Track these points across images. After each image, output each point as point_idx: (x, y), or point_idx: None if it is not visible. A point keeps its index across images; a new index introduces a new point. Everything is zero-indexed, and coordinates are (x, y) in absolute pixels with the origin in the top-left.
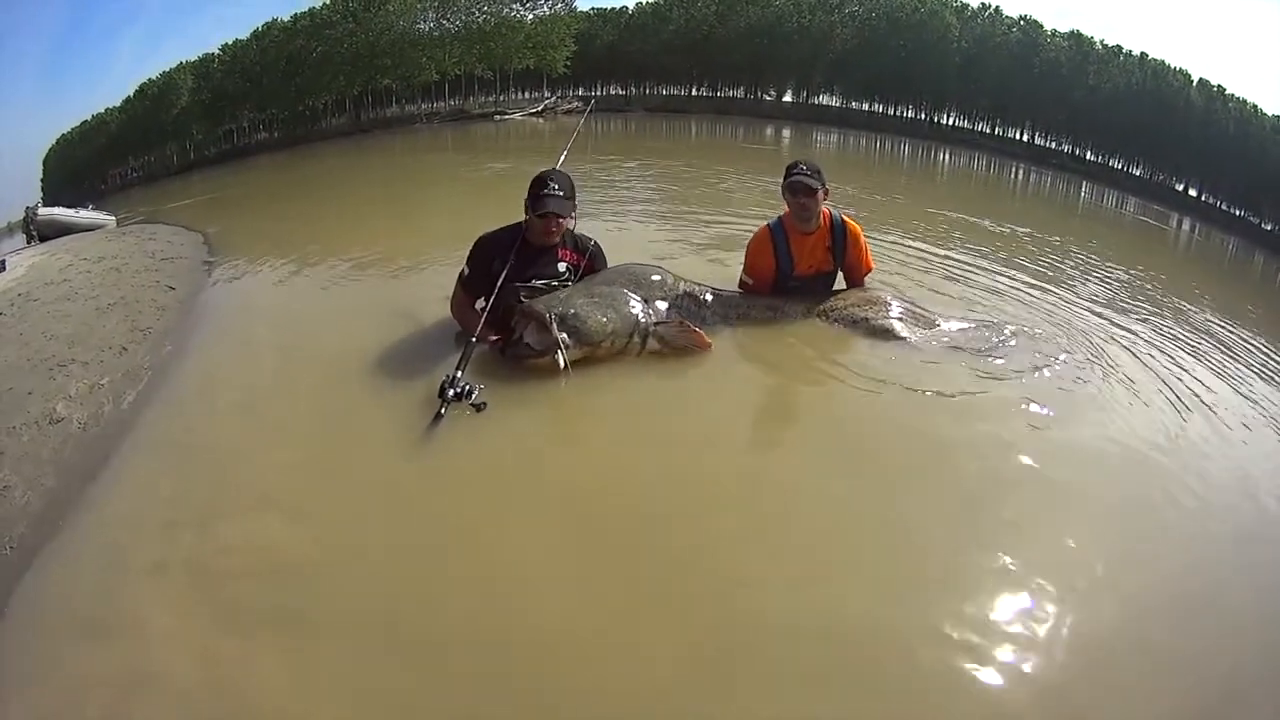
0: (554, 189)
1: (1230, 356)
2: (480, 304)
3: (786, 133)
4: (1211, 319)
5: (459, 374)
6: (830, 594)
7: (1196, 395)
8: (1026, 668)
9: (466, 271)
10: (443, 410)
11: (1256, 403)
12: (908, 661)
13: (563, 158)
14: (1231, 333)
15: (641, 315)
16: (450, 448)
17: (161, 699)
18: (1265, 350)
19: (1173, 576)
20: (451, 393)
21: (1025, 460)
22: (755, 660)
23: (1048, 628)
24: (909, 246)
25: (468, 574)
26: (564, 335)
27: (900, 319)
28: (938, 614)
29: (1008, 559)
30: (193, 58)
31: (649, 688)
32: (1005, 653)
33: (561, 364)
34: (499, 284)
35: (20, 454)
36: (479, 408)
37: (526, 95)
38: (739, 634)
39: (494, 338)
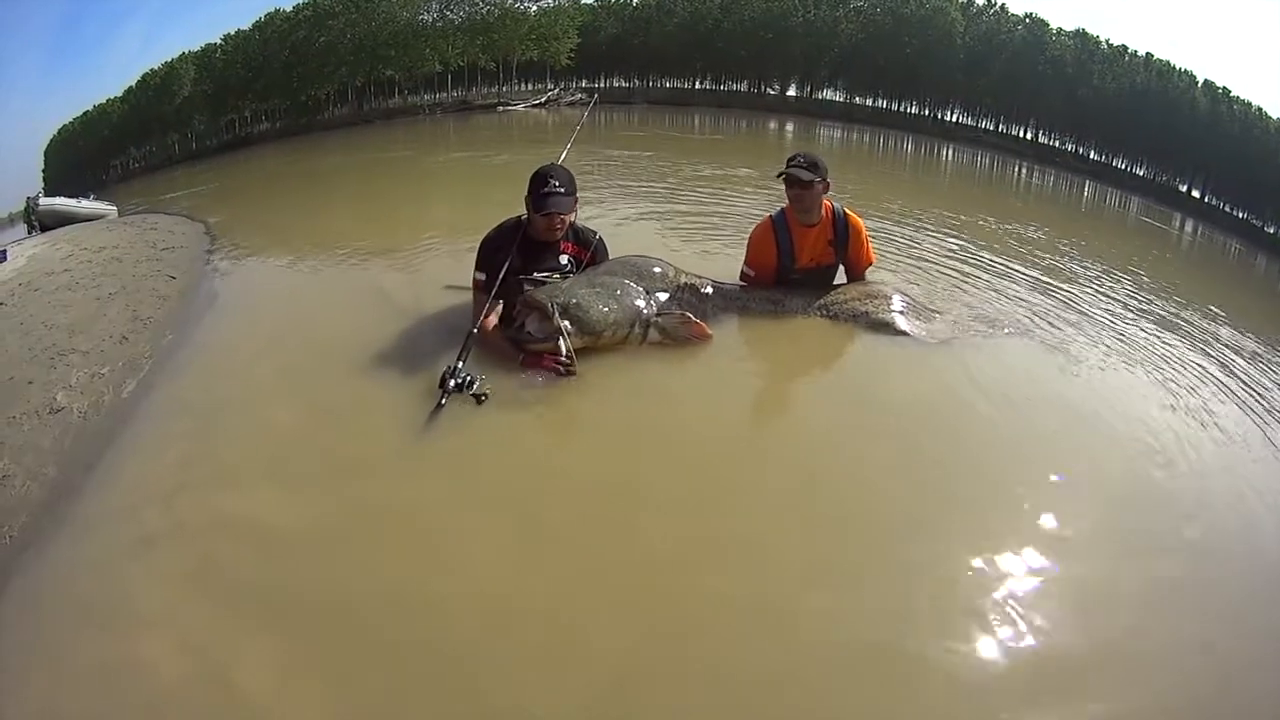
0: (555, 186)
1: (1227, 348)
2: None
3: (790, 127)
4: (1216, 318)
5: (460, 364)
6: (795, 622)
7: (1197, 389)
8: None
9: (482, 276)
10: (443, 400)
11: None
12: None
13: (565, 153)
14: (1234, 331)
15: (643, 306)
16: (450, 438)
17: (152, 689)
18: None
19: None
20: (453, 383)
21: (1026, 459)
22: (693, 684)
23: (1042, 657)
24: (910, 242)
25: (458, 564)
26: (566, 324)
27: (901, 313)
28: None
29: (1004, 576)
30: (195, 48)
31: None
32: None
33: (564, 353)
34: (499, 276)
35: (21, 443)
36: (480, 398)
37: (530, 86)
38: (694, 644)
39: (494, 323)
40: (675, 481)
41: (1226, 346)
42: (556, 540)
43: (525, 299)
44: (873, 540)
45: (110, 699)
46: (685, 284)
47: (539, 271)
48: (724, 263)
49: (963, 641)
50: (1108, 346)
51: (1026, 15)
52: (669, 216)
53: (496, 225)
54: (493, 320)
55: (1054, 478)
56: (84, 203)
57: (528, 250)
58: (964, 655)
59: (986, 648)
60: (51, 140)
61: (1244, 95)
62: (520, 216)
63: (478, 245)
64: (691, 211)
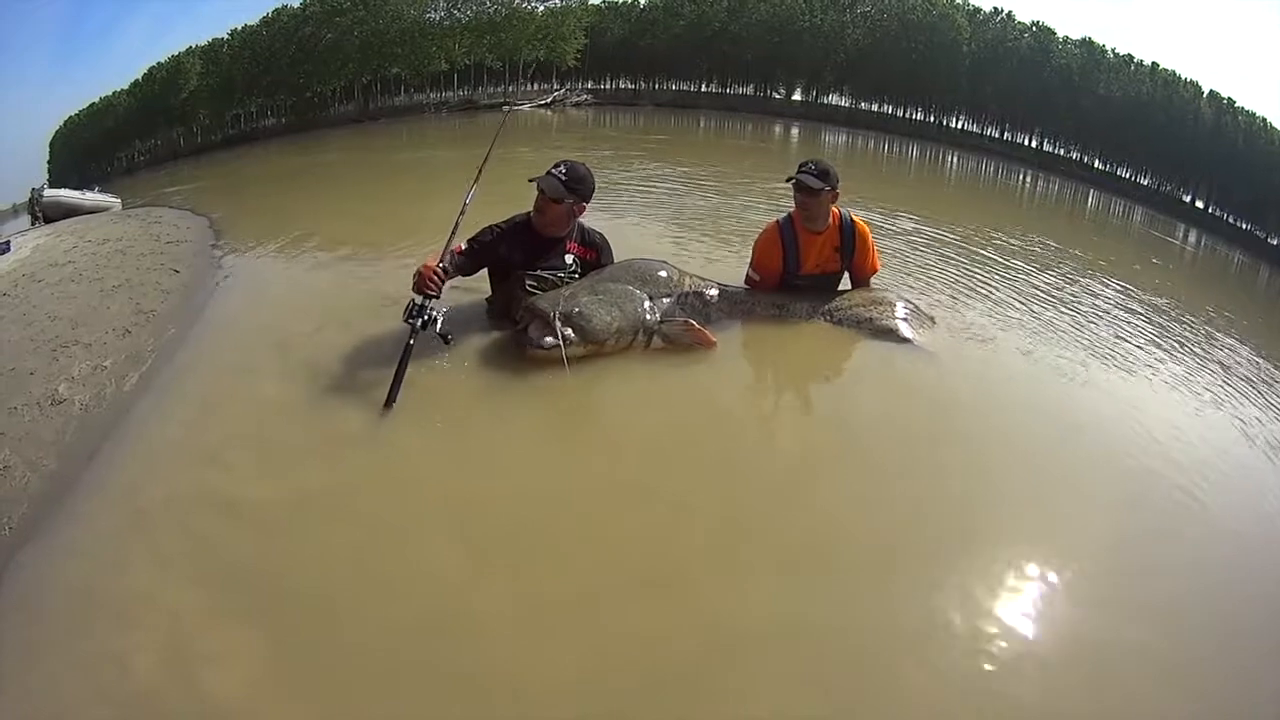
0: (559, 172)
1: (1235, 365)
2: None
3: (795, 131)
4: (1223, 333)
5: (426, 301)
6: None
7: (1205, 398)
8: (1021, 679)
9: (463, 246)
10: (412, 340)
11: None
12: None
13: (487, 152)
14: (1241, 346)
15: (647, 313)
16: (443, 429)
17: (130, 685)
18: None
19: (1172, 573)
20: (419, 321)
21: (1028, 464)
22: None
23: (1046, 633)
24: (912, 248)
25: (436, 557)
26: (569, 331)
27: (905, 320)
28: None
29: (999, 570)
30: (202, 42)
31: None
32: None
33: (563, 361)
34: (482, 263)
35: (22, 434)
36: (446, 338)
37: (536, 87)
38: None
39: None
40: (659, 490)
41: (1235, 363)
42: (535, 541)
43: (529, 306)
44: (865, 561)
45: (92, 694)
46: (690, 288)
47: (544, 269)
48: (729, 265)
49: (961, 671)
50: (1112, 358)
51: (1033, 23)
52: (674, 217)
53: (508, 217)
54: (434, 262)
55: (1060, 492)
56: (88, 195)
57: (533, 247)
58: (958, 681)
59: (984, 681)
60: (56, 132)
61: (1249, 106)
62: (529, 213)
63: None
64: (696, 213)
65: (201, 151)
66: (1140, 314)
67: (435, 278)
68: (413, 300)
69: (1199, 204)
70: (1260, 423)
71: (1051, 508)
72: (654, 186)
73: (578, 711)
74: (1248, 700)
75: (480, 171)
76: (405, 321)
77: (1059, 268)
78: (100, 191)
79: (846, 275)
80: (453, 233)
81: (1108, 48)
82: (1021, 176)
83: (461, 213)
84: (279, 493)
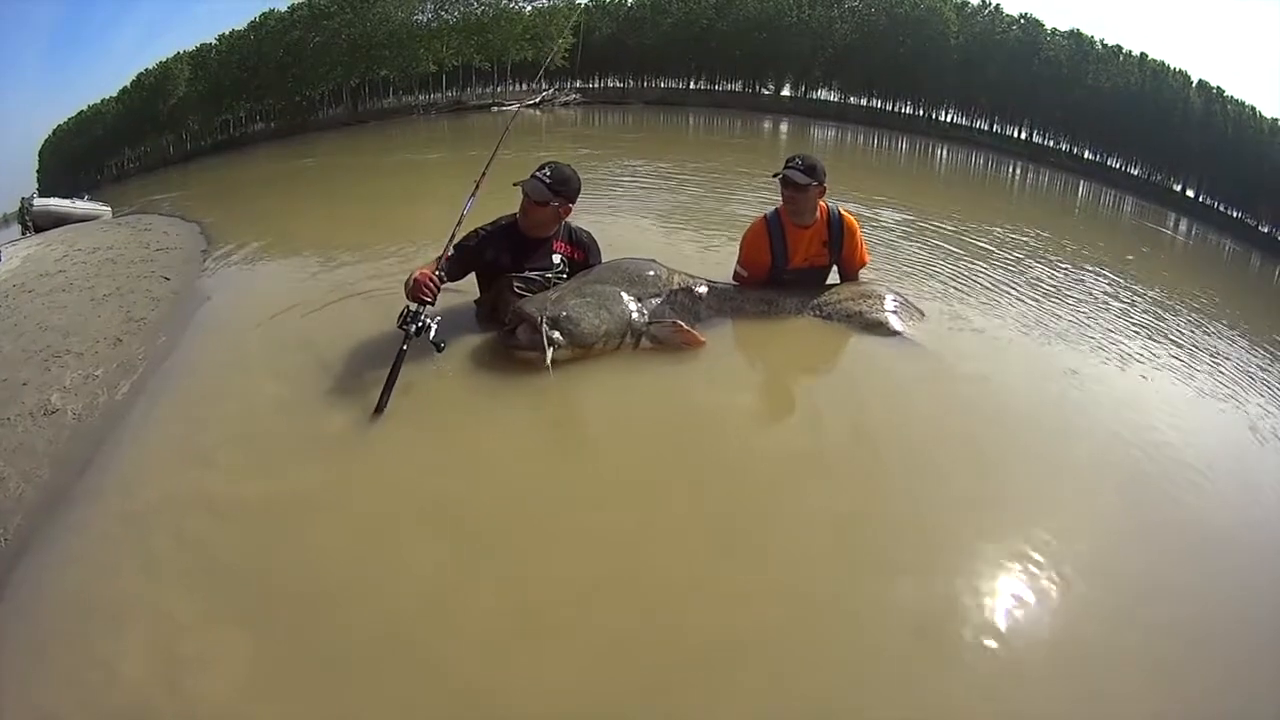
0: (544, 174)
1: (1229, 352)
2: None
3: (784, 127)
4: (1215, 320)
5: (419, 309)
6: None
7: (1202, 387)
8: (1020, 680)
9: (451, 253)
10: (405, 346)
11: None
12: None
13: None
14: (1235, 334)
15: (635, 315)
16: (433, 432)
17: (119, 693)
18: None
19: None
20: (413, 328)
21: (1024, 458)
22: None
23: (1046, 634)
24: (904, 242)
25: (428, 559)
26: (557, 335)
27: (894, 313)
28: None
29: (998, 569)
30: (190, 47)
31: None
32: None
33: (548, 363)
34: (471, 266)
35: (15, 445)
36: (439, 346)
37: (524, 87)
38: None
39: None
40: (653, 490)
41: (1230, 351)
42: (529, 542)
43: (516, 310)
44: (862, 559)
45: (86, 700)
46: (679, 286)
47: (531, 270)
48: (718, 260)
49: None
50: (1107, 349)
51: (1021, 15)
52: (660, 213)
53: (493, 219)
54: (429, 270)
55: (1058, 486)
56: (78, 203)
57: (520, 248)
58: (958, 682)
59: (984, 681)
60: (46, 140)
61: (1238, 95)
62: (514, 214)
63: None
64: (683, 209)
65: (191, 158)
66: (1133, 303)
67: (430, 285)
68: (407, 307)
69: (1189, 193)
70: (1259, 411)
71: (1050, 503)
72: (640, 184)
73: (576, 712)
74: (1248, 700)
75: (478, 185)
76: (399, 328)
77: (1050, 258)
78: (90, 200)
79: (835, 269)
80: (449, 242)
81: (1096, 39)
82: (1012, 168)
83: (459, 223)
84: (271, 496)
